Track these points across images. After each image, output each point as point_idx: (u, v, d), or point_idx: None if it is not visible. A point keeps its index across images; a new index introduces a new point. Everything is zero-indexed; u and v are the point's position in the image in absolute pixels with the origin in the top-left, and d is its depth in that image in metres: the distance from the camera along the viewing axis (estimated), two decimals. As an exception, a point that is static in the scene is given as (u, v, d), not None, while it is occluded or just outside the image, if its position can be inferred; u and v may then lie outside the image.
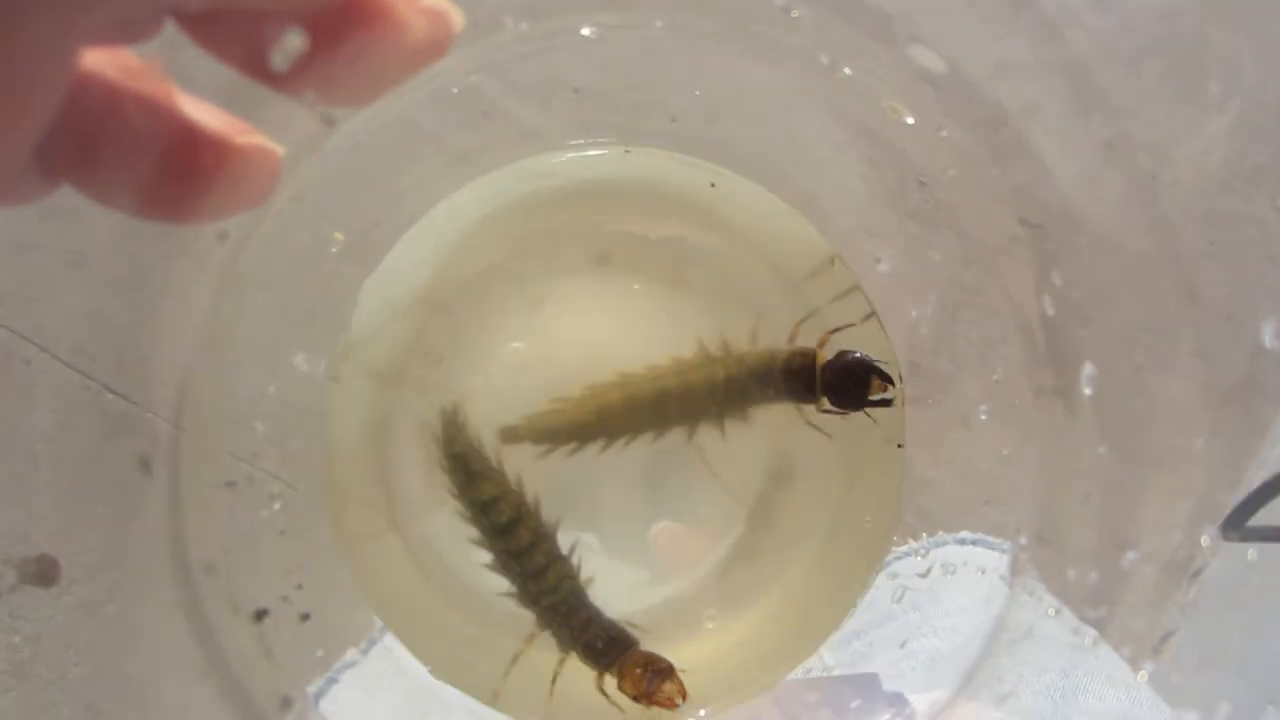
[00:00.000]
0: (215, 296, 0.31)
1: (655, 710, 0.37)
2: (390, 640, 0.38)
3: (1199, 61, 0.35)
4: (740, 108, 0.39)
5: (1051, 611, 0.37)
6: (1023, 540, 0.38)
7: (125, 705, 0.42)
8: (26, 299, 0.44)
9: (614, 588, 0.40)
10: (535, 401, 0.40)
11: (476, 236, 0.40)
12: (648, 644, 0.39)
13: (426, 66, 0.16)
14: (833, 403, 0.39)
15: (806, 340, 0.40)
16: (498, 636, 0.39)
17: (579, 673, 0.38)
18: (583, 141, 0.39)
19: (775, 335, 0.40)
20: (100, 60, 0.15)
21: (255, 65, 0.14)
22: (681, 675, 0.37)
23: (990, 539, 0.39)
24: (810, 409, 0.40)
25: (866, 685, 0.37)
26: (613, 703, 0.38)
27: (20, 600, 0.44)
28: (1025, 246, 0.38)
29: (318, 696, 0.34)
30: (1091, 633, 0.36)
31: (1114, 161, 0.35)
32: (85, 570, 0.44)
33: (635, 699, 0.37)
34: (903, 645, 0.38)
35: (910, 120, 0.33)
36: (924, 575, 0.39)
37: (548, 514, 0.40)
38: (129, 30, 0.14)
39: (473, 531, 0.39)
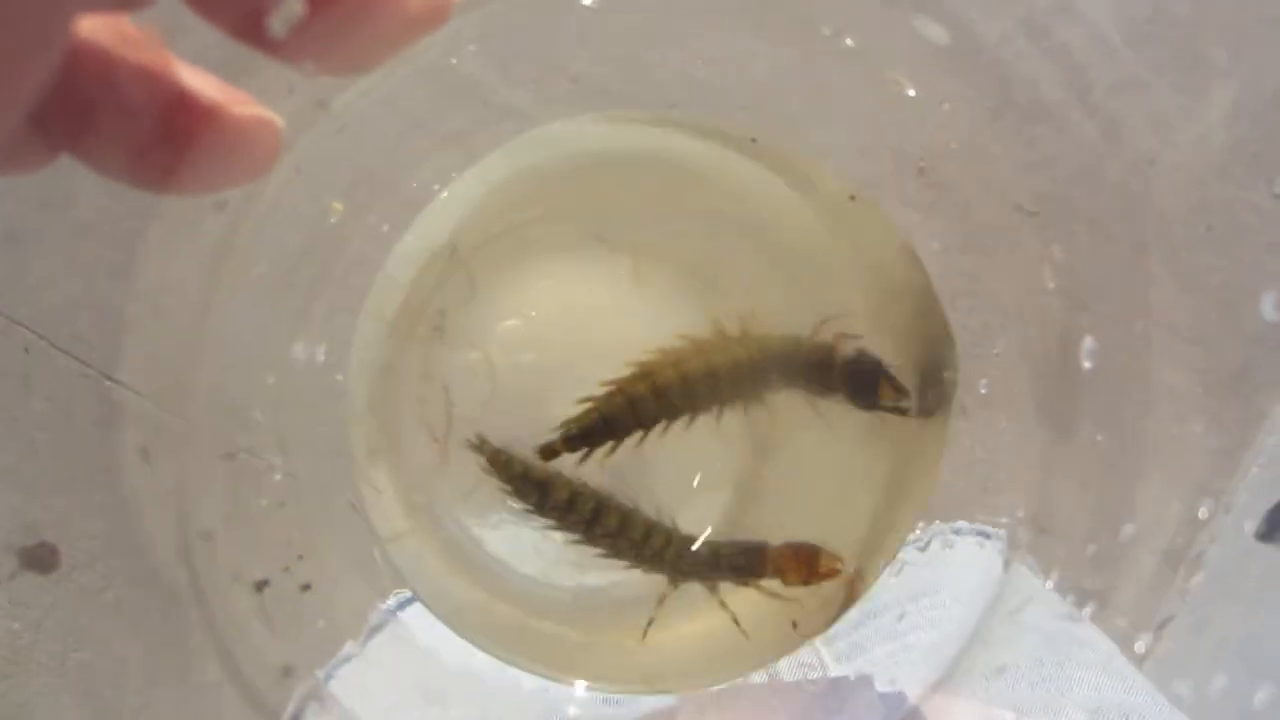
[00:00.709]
0: (212, 276, 0.31)
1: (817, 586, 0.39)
2: (394, 626, 0.38)
3: (1197, 47, 0.35)
4: (737, 83, 0.39)
5: (1048, 599, 0.37)
6: (1021, 527, 0.38)
7: (125, 692, 0.42)
8: (24, 287, 0.44)
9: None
10: (527, 392, 0.40)
11: (472, 211, 0.40)
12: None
13: (426, 34, 0.16)
14: (847, 398, 0.39)
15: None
16: (518, 610, 0.40)
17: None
18: (582, 116, 0.39)
19: (778, 316, 0.40)
20: (97, 27, 0.15)
21: (253, 32, 0.14)
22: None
23: (988, 527, 0.39)
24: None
25: (862, 686, 0.37)
26: (783, 597, 0.39)
27: (20, 587, 0.44)
28: (1024, 233, 0.38)
29: (327, 677, 0.34)
30: (1088, 621, 0.36)
31: (1112, 147, 0.35)
32: (84, 557, 0.44)
33: (804, 584, 0.39)
34: (900, 638, 0.38)
35: (912, 92, 0.33)
36: (924, 554, 0.39)
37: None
38: None
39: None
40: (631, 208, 0.42)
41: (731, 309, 0.40)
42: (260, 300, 0.35)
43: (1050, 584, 0.37)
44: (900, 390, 0.39)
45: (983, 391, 0.39)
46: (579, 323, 0.41)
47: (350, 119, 0.32)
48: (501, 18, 0.33)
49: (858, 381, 0.39)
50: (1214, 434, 0.39)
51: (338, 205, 0.35)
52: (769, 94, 0.39)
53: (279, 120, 0.17)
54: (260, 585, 0.31)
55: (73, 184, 0.46)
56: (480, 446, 0.39)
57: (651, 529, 0.39)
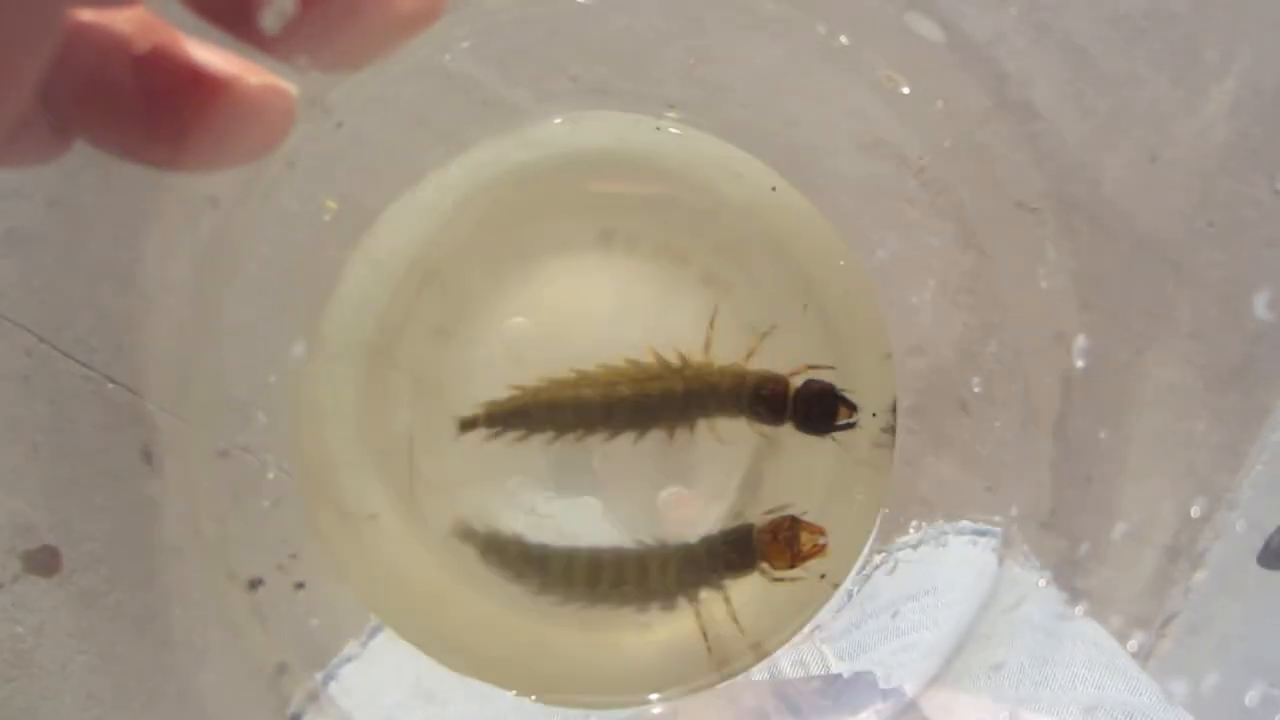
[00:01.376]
0: (208, 276, 0.31)
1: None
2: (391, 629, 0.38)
3: (1197, 42, 0.35)
4: (735, 81, 0.39)
5: (1048, 597, 0.37)
6: (1022, 525, 0.38)
7: (127, 694, 0.42)
8: (26, 289, 0.44)
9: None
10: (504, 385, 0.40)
11: (466, 209, 0.40)
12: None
13: (421, 30, 0.16)
14: (799, 429, 0.40)
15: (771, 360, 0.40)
16: (509, 616, 0.40)
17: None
18: (576, 112, 0.39)
19: (774, 319, 0.40)
20: (100, 12, 0.15)
21: (246, 28, 0.14)
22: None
23: (989, 526, 0.39)
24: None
25: (863, 683, 0.37)
26: (792, 578, 0.39)
27: (22, 590, 0.44)
28: (1024, 229, 0.38)
29: (327, 679, 0.34)
30: (1089, 618, 0.36)
31: (1112, 142, 0.35)
32: (86, 560, 0.44)
33: (791, 567, 0.39)
34: (900, 636, 0.38)
35: (906, 90, 0.33)
36: (917, 552, 0.39)
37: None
38: None
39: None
40: (631, 206, 0.42)
41: (733, 311, 0.40)
42: (260, 299, 0.35)
43: (1049, 581, 0.37)
44: (852, 408, 0.40)
45: (981, 389, 0.39)
46: (579, 322, 0.42)
47: (346, 115, 0.32)
48: (498, 15, 0.34)
49: (814, 408, 0.40)
50: (1216, 430, 0.39)
51: (331, 204, 0.35)
52: (765, 92, 0.39)
53: (292, 89, 0.16)
54: (254, 583, 0.31)
55: (73, 186, 0.46)
56: (469, 536, 0.40)
57: (645, 560, 0.40)
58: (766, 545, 0.39)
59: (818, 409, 0.40)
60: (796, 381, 0.40)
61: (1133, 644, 0.35)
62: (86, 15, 0.15)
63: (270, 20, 0.14)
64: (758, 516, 0.40)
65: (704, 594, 0.40)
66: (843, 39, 0.33)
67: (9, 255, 0.45)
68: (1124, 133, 0.36)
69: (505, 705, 0.39)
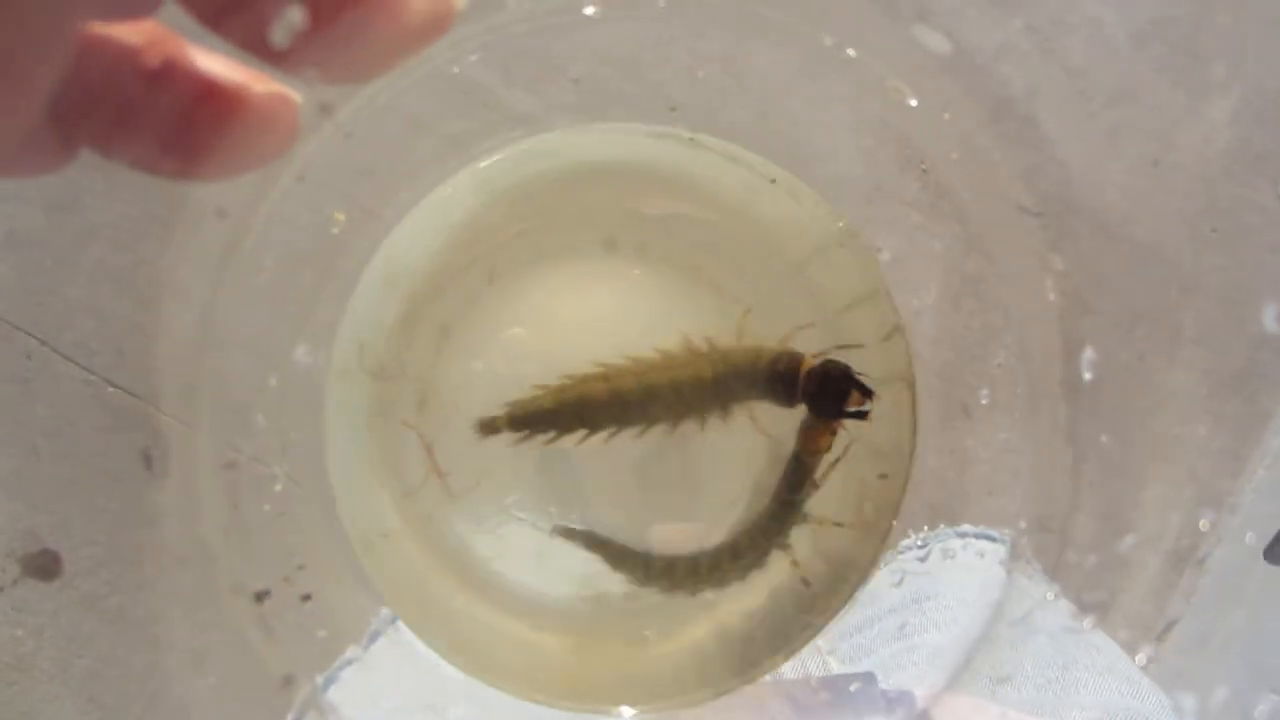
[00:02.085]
0: (215, 284, 0.31)
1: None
2: (395, 632, 0.38)
3: (1200, 48, 0.35)
4: (742, 91, 0.39)
5: (1052, 600, 0.37)
6: (1025, 529, 0.38)
7: (127, 698, 0.42)
8: (26, 292, 0.44)
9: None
10: (523, 389, 0.39)
11: (475, 219, 0.40)
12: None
13: (429, 43, 0.15)
14: (810, 409, 0.38)
15: (806, 345, 0.40)
16: (517, 624, 0.40)
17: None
18: (585, 123, 0.39)
19: (778, 321, 0.40)
20: (115, 25, 0.15)
21: (255, 42, 0.14)
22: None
23: (992, 530, 0.39)
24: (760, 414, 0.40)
25: (866, 685, 0.37)
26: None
27: (23, 594, 0.44)
28: (1027, 234, 0.38)
29: (327, 683, 0.34)
30: (1092, 623, 0.36)
31: (1116, 148, 0.35)
32: (87, 564, 0.44)
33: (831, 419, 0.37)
34: (904, 639, 0.38)
35: (913, 102, 0.33)
36: (924, 565, 0.39)
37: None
38: (127, 6, 0.14)
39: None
40: (638, 215, 0.42)
41: (734, 313, 0.40)
42: (263, 305, 0.35)
43: (1054, 589, 0.37)
44: (867, 394, 0.38)
45: (985, 394, 0.39)
46: (587, 330, 0.42)
47: (355, 126, 0.32)
48: (507, 27, 0.33)
49: (826, 388, 0.38)
50: (1219, 435, 0.39)
51: (339, 216, 0.35)
52: (772, 104, 0.39)
53: (298, 96, 0.16)
54: (261, 595, 0.31)
55: (75, 190, 0.46)
56: (572, 533, 0.39)
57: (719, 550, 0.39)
58: (816, 385, 0.37)
59: (830, 388, 0.37)
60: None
61: (1139, 650, 0.35)
62: (97, 27, 0.15)
63: (280, 35, 0.14)
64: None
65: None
66: (850, 51, 0.33)
67: (8, 258, 0.45)
68: (1127, 138, 0.36)
69: (505, 710, 0.39)
